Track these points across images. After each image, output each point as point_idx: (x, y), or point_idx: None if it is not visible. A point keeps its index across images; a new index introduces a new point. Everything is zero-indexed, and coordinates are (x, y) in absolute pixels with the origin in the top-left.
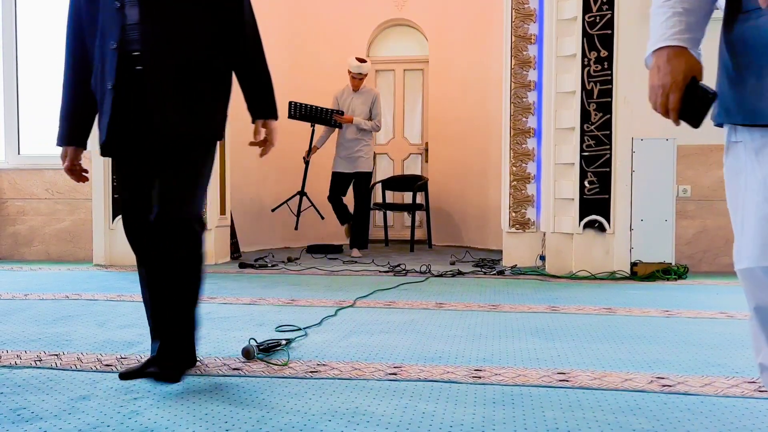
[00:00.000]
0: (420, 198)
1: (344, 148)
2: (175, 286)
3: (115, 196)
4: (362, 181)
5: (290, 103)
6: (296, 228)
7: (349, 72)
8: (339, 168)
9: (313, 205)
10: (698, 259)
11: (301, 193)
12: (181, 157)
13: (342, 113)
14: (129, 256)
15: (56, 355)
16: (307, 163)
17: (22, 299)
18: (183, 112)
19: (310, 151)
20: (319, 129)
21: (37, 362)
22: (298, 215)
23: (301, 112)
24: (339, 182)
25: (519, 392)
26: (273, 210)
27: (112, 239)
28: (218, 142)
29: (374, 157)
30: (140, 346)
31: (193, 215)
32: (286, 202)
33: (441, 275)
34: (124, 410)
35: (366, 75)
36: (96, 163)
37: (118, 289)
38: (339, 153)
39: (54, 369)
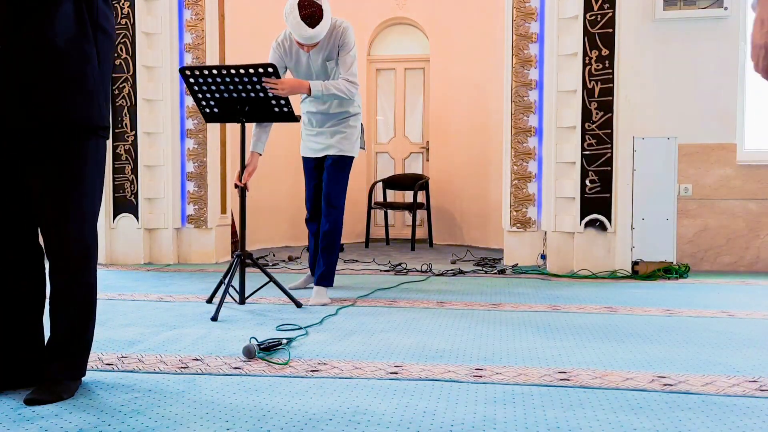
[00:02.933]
0: (421, 197)
1: (315, 121)
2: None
3: (116, 194)
4: (334, 167)
5: (181, 71)
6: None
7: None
8: (308, 151)
9: (268, 275)
10: (699, 258)
11: (242, 256)
12: (55, 155)
13: (275, 72)
14: (130, 255)
15: None
16: (243, 191)
17: None
18: (50, 97)
19: (243, 170)
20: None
21: None
22: (242, 300)
23: (204, 90)
24: (313, 174)
25: (520, 391)
26: (208, 299)
27: (112, 238)
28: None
29: (362, 140)
30: (141, 345)
31: (81, 243)
32: (222, 300)
33: (442, 274)
34: (126, 409)
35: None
36: None
37: (119, 288)
38: (306, 130)
39: None
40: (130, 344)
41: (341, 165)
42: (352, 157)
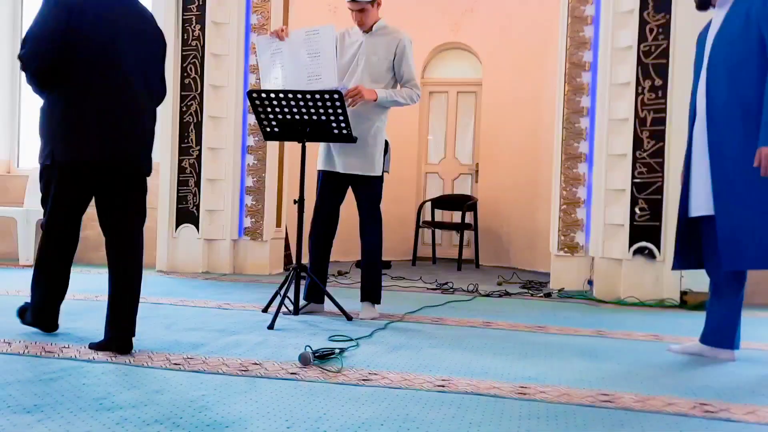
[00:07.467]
0: (469, 218)
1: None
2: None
3: (180, 206)
4: (367, 190)
5: (249, 94)
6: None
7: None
8: (329, 165)
9: (322, 288)
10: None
11: (298, 269)
12: (136, 188)
13: (339, 98)
14: (189, 263)
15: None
16: (301, 206)
17: (93, 300)
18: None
19: (302, 185)
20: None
21: (113, 358)
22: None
23: (267, 111)
24: (330, 189)
25: (563, 410)
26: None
27: (174, 247)
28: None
29: (388, 148)
30: (204, 348)
31: (141, 239)
32: (278, 310)
33: (488, 295)
34: (195, 405)
35: (374, 3)
36: (162, 173)
37: (181, 294)
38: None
39: (128, 365)
40: (195, 347)
41: (374, 188)
42: (382, 177)
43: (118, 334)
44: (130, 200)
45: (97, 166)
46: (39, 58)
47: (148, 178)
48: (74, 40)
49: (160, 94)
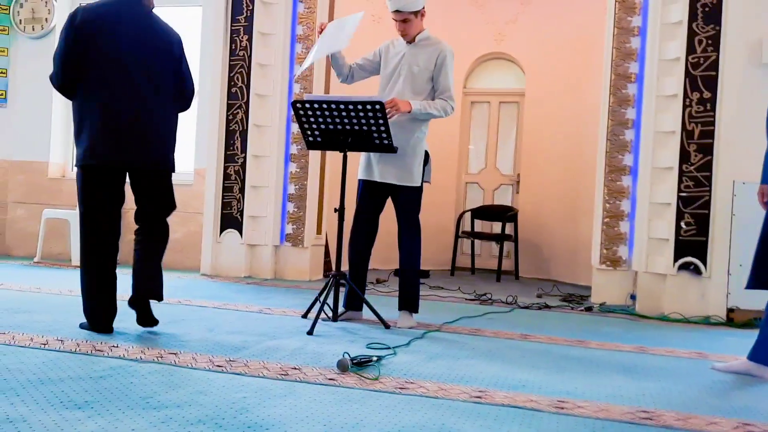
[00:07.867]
0: (509, 229)
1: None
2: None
3: (224, 211)
4: (406, 200)
5: (293, 104)
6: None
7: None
8: (368, 174)
9: (360, 296)
10: None
11: (338, 277)
12: (166, 180)
13: (381, 108)
14: (232, 268)
15: (174, 353)
16: (341, 215)
17: None
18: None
19: (343, 195)
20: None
21: (159, 358)
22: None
23: (310, 121)
24: (369, 198)
25: (601, 425)
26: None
27: (218, 251)
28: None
29: (428, 159)
30: (246, 351)
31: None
32: (317, 316)
33: (527, 307)
34: (236, 406)
35: (417, 13)
36: (208, 179)
37: (224, 298)
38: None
39: (173, 365)
40: (237, 350)
41: (413, 198)
42: (421, 187)
43: (138, 300)
44: (152, 194)
45: (103, 168)
46: (58, 77)
47: (193, 183)
48: (84, 55)
49: (185, 90)
